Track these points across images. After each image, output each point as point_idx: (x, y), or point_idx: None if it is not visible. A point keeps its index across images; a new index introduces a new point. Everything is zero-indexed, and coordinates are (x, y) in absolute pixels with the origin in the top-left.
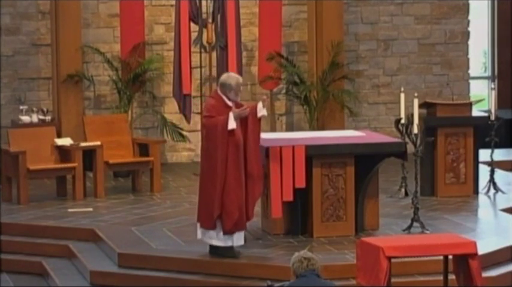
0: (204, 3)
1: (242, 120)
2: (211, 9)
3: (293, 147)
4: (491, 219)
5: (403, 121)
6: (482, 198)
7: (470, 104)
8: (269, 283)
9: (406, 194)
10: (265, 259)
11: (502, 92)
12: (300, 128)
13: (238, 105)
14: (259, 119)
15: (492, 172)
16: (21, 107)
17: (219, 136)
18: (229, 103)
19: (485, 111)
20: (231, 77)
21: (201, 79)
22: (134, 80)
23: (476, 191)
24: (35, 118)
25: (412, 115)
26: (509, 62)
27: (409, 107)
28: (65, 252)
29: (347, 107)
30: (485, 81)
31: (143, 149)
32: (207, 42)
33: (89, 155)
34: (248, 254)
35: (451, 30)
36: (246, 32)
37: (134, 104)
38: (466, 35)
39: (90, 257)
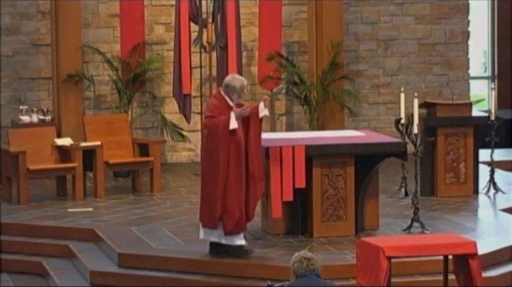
0: (204, 3)
1: (243, 121)
2: (211, 9)
3: (293, 147)
4: (491, 219)
5: (403, 121)
6: (482, 198)
7: (470, 104)
8: (269, 283)
9: (406, 194)
10: (265, 259)
11: (502, 92)
12: (300, 128)
13: (239, 105)
14: (261, 120)
15: (492, 172)
16: (21, 107)
17: (220, 136)
18: (231, 104)
19: (485, 111)
20: (236, 79)
21: (201, 79)
22: (134, 80)
23: (476, 191)
24: (35, 118)
25: (412, 115)
26: (509, 62)
27: (409, 107)
28: (65, 252)
29: (347, 107)
30: (485, 81)
31: (143, 149)
32: (207, 42)
33: (89, 155)
34: (248, 254)
35: (451, 30)
36: (246, 32)
37: (134, 104)
38: (466, 35)
39: (90, 257)
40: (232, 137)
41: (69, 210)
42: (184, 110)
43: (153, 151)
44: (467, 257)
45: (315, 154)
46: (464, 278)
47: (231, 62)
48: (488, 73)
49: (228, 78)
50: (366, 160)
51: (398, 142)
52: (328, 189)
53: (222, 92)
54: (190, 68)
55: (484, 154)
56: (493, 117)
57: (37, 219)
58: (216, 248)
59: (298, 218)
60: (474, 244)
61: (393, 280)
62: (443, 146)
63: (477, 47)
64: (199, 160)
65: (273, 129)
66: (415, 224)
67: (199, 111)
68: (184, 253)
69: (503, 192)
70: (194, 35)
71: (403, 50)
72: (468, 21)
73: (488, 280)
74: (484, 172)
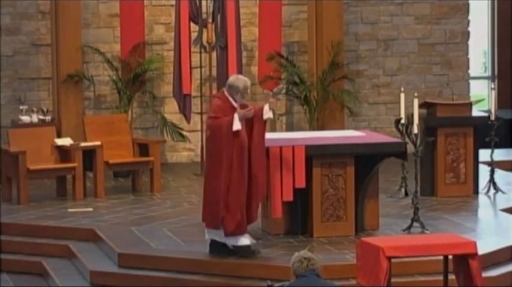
0: (204, 3)
1: (247, 122)
2: (211, 9)
3: (293, 147)
4: (491, 219)
5: (403, 121)
6: (482, 198)
7: (470, 104)
8: (269, 283)
9: (406, 194)
10: (265, 259)
11: (502, 92)
12: (300, 128)
13: (243, 106)
14: (265, 122)
15: (492, 172)
16: (21, 107)
17: (223, 137)
18: (235, 104)
19: (485, 111)
20: (240, 79)
21: (201, 79)
22: (134, 80)
23: (476, 191)
24: (35, 118)
25: (412, 115)
26: (509, 62)
27: (409, 107)
28: (65, 252)
29: (347, 107)
30: (485, 81)
31: (143, 149)
32: (207, 42)
33: (89, 155)
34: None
35: (451, 30)
36: (246, 32)
37: (134, 104)
38: (466, 35)
39: (90, 257)
40: (235, 139)
41: (69, 210)
42: (184, 110)
43: (153, 151)
44: (467, 257)
45: (315, 154)
46: (464, 278)
47: (231, 62)
48: (488, 73)
49: (231, 79)
50: (366, 160)
51: (398, 142)
52: (328, 189)
53: (226, 93)
54: (190, 68)
55: (484, 154)
56: (493, 117)
57: (37, 219)
58: (216, 248)
59: (298, 218)
60: (474, 244)
61: (393, 280)
62: (443, 146)
63: (477, 47)
64: (199, 160)
65: (273, 129)
66: (415, 224)
67: (199, 111)
68: (184, 253)
69: (503, 192)
70: (194, 35)
71: (403, 50)
72: (468, 21)
73: (488, 280)
74: (484, 172)
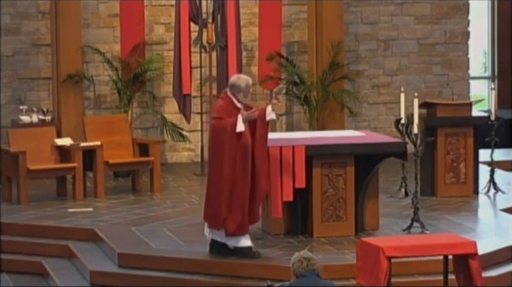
0: (204, 3)
1: (250, 123)
2: (211, 9)
3: (293, 147)
4: (491, 219)
5: (403, 121)
6: (482, 198)
7: (470, 104)
8: (269, 283)
9: (406, 194)
10: (265, 259)
11: (502, 92)
12: (300, 128)
13: (247, 108)
14: (268, 123)
15: (492, 172)
16: (21, 107)
17: (227, 138)
18: (239, 105)
19: (485, 111)
20: (241, 78)
21: (201, 79)
22: (134, 80)
23: (476, 191)
24: (35, 118)
25: (412, 115)
26: (509, 62)
27: (409, 107)
28: (65, 252)
29: (347, 107)
30: (485, 81)
31: (143, 149)
32: (207, 42)
33: (89, 155)
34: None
35: (451, 30)
36: (246, 32)
37: (134, 104)
38: (466, 35)
39: (90, 257)
40: (239, 140)
41: (69, 210)
42: (184, 110)
43: (153, 151)
44: (467, 257)
45: (315, 154)
46: (464, 278)
47: (231, 62)
48: (488, 73)
49: (232, 79)
50: (366, 160)
51: (398, 142)
52: (328, 189)
53: (229, 93)
54: (190, 68)
55: (484, 154)
56: (493, 117)
57: (37, 219)
58: (216, 247)
59: (298, 218)
60: (474, 244)
61: (393, 280)
62: (443, 146)
63: (477, 47)
64: (199, 160)
65: (273, 129)
66: (415, 224)
67: (199, 111)
68: (184, 253)
69: (503, 192)
70: (194, 35)
71: (403, 50)
72: (468, 21)
73: (488, 280)
74: (484, 172)
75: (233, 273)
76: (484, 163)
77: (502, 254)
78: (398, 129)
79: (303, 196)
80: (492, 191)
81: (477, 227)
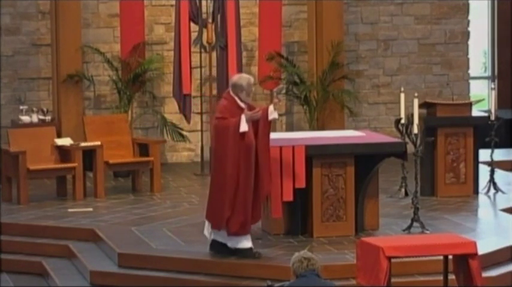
0: (204, 3)
1: (253, 123)
2: (211, 9)
3: (293, 147)
4: (491, 219)
5: (403, 121)
6: (482, 198)
7: (470, 104)
8: (269, 283)
9: (406, 194)
10: (265, 259)
11: (502, 92)
12: (300, 128)
13: (250, 107)
14: (270, 122)
15: (492, 172)
16: (21, 107)
17: (230, 138)
18: (242, 104)
19: (485, 111)
20: (243, 77)
21: (201, 79)
22: (134, 80)
23: (476, 191)
24: (35, 118)
25: (412, 115)
26: (509, 62)
27: (409, 107)
28: (65, 252)
29: (347, 107)
30: (485, 81)
31: (143, 149)
32: (207, 42)
33: (89, 155)
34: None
35: (451, 30)
36: (246, 32)
37: (134, 104)
38: (466, 35)
39: (90, 257)
40: (242, 140)
41: (69, 210)
42: (184, 110)
43: (153, 151)
44: (467, 257)
45: (315, 154)
46: (464, 278)
47: (231, 62)
48: (488, 73)
49: (234, 78)
50: (366, 160)
51: (398, 142)
52: (328, 189)
53: (231, 93)
54: (190, 68)
55: (484, 154)
56: (493, 117)
57: (37, 219)
58: (216, 247)
59: (298, 218)
60: (474, 244)
61: (393, 280)
62: (443, 146)
63: (477, 47)
64: (199, 160)
65: (273, 129)
66: (415, 224)
67: (199, 111)
68: (184, 253)
69: (503, 192)
70: (194, 35)
71: (403, 50)
72: (468, 21)
73: (488, 280)
74: (484, 172)
75: (233, 273)
76: (484, 163)
77: (502, 254)
78: (398, 129)
79: (303, 196)
80: (492, 191)
81: (477, 227)
